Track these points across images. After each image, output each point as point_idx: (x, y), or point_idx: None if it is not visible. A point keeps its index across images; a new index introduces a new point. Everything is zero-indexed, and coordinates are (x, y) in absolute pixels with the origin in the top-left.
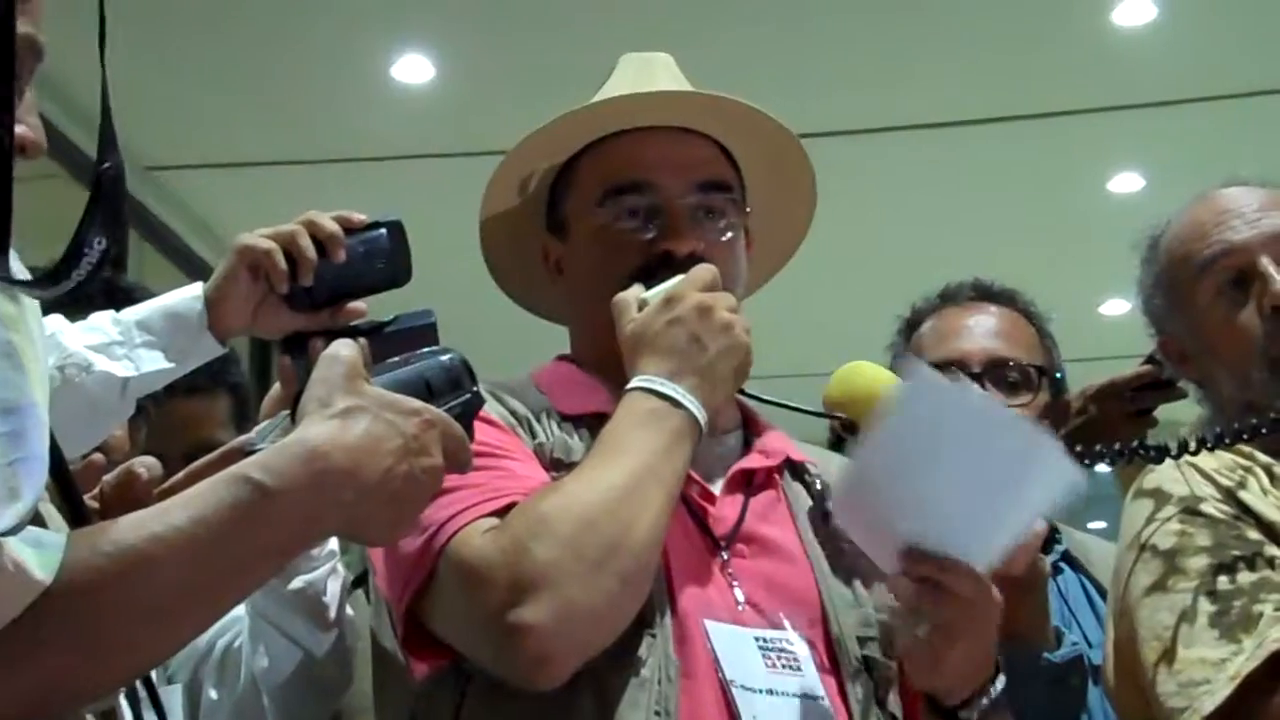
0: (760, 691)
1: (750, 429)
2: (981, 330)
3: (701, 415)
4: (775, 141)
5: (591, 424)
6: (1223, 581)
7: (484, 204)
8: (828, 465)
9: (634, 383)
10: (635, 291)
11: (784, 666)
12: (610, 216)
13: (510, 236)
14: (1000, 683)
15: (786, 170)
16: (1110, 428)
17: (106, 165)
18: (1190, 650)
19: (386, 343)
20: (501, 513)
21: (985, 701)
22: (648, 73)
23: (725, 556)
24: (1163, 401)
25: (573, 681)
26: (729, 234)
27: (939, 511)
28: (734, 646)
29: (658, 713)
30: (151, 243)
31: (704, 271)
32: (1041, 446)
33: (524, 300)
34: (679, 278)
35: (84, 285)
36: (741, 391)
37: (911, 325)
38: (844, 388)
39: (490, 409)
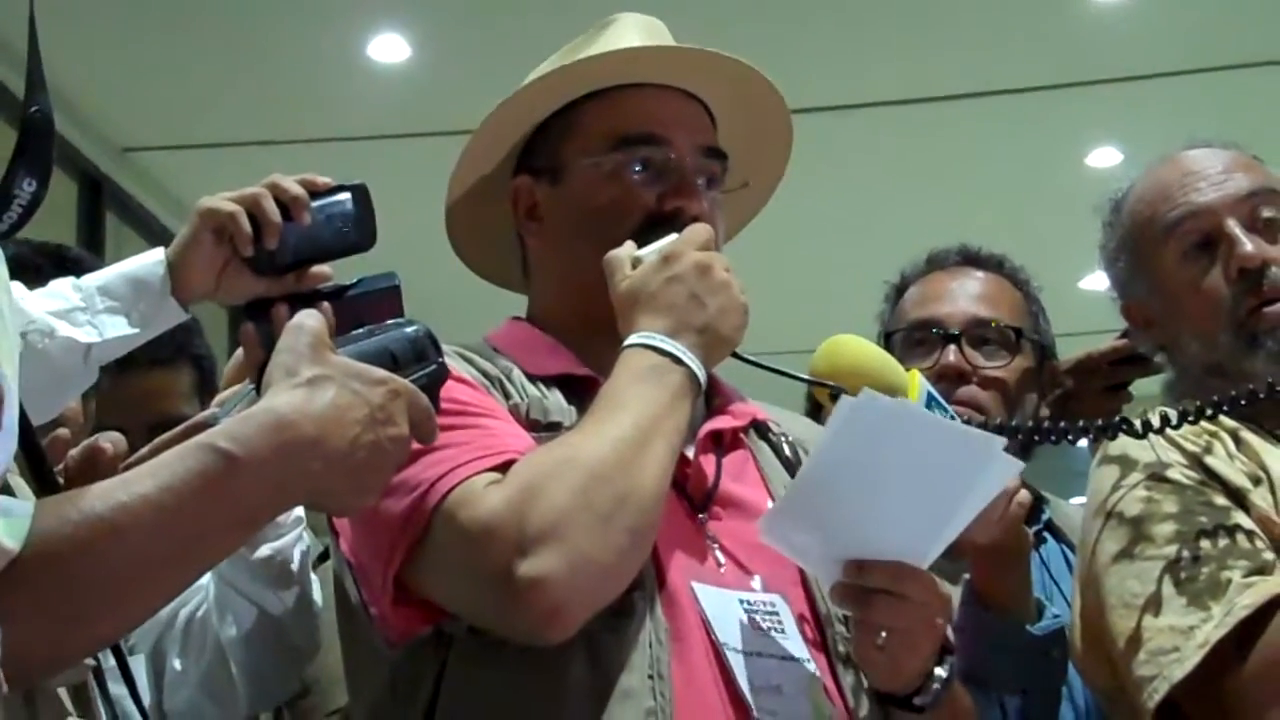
0: (750, 654)
1: (712, 390)
2: (964, 293)
3: (701, 373)
4: (767, 118)
5: (561, 384)
6: (1190, 548)
7: (465, 154)
8: (792, 425)
9: (632, 339)
10: (628, 249)
11: (769, 628)
12: (620, 164)
13: (479, 187)
14: (948, 663)
15: (765, 149)
16: (1086, 402)
17: (35, 108)
18: (1159, 618)
19: (350, 306)
20: (501, 469)
21: (936, 686)
22: (653, 32)
23: (703, 518)
24: (1139, 376)
25: (564, 645)
26: (718, 204)
27: (884, 523)
28: (722, 609)
29: (651, 676)
30: (128, 224)
31: (700, 230)
32: (982, 449)
33: (477, 258)
34: (673, 236)
35: (16, 228)
36: (736, 354)
37: (899, 291)
38: (829, 361)
39: (463, 370)
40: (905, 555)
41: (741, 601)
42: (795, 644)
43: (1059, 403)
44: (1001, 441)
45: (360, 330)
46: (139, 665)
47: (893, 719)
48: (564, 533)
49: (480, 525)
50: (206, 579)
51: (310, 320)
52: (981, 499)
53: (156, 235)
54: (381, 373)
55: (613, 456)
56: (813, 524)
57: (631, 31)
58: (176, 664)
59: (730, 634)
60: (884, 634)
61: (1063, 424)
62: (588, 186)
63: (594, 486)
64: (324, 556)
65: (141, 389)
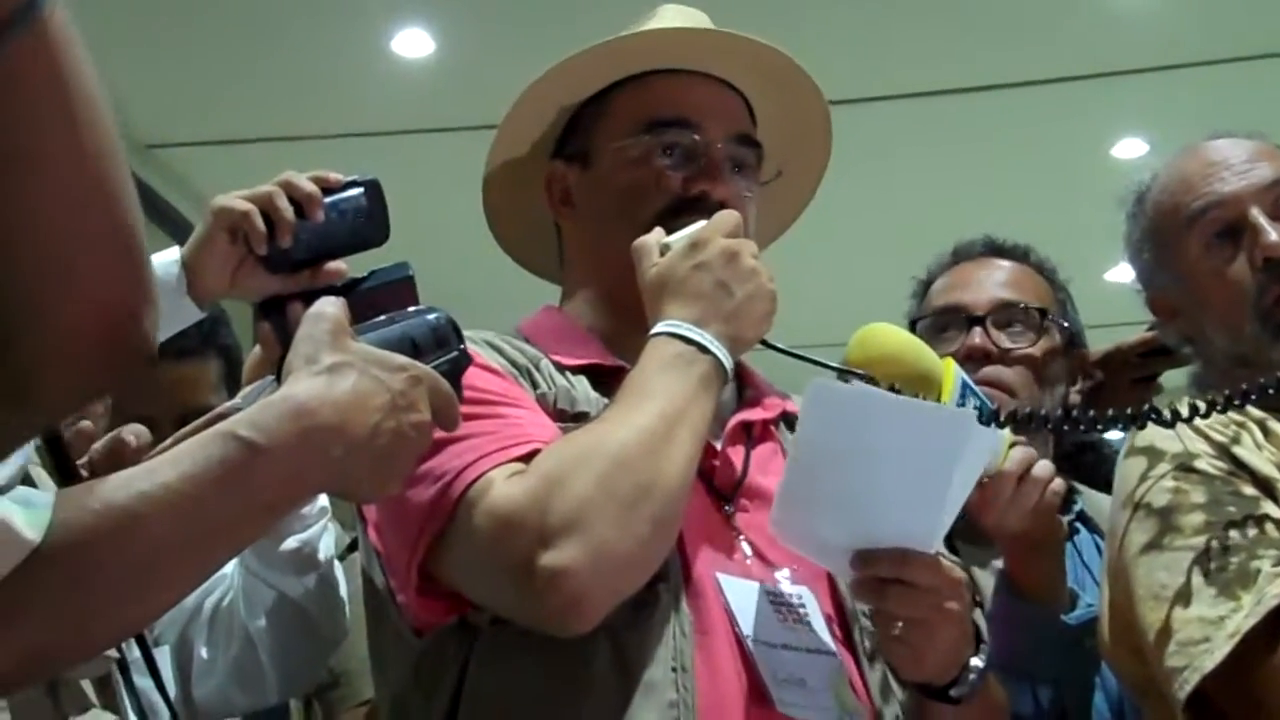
0: (776, 646)
1: (743, 381)
2: (990, 280)
3: (728, 361)
4: (805, 107)
5: (589, 375)
6: (1219, 539)
7: (502, 131)
8: None
9: (659, 327)
10: (656, 236)
11: (795, 621)
12: (649, 147)
13: (516, 171)
14: (984, 653)
15: (805, 138)
16: (1116, 394)
17: None
18: (1188, 609)
19: (365, 299)
20: (525, 459)
21: (973, 676)
22: (694, 21)
23: (730, 510)
24: (1168, 367)
25: (588, 637)
26: (750, 192)
27: (877, 510)
28: (747, 601)
29: (674, 668)
30: (153, 220)
31: (729, 217)
32: (955, 422)
33: (515, 243)
34: (702, 222)
35: None
36: (764, 342)
37: (926, 285)
38: (863, 350)
39: (491, 358)
40: (909, 541)
41: (767, 593)
42: (821, 637)
43: (1089, 395)
44: (972, 414)
45: (381, 317)
46: (164, 656)
47: (926, 710)
48: (586, 523)
49: (503, 516)
50: (231, 568)
51: (330, 308)
52: (970, 475)
53: (181, 231)
54: (402, 359)
55: (636, 446)
56: (813, 518)
57: (670, 19)
58: (204, 653)
59: (754, 626)
60: (899, 624)
61: (1091, 413)
62: (616, 169)
63: (617, 476)
64: (351, 547)
65: (169, 380)
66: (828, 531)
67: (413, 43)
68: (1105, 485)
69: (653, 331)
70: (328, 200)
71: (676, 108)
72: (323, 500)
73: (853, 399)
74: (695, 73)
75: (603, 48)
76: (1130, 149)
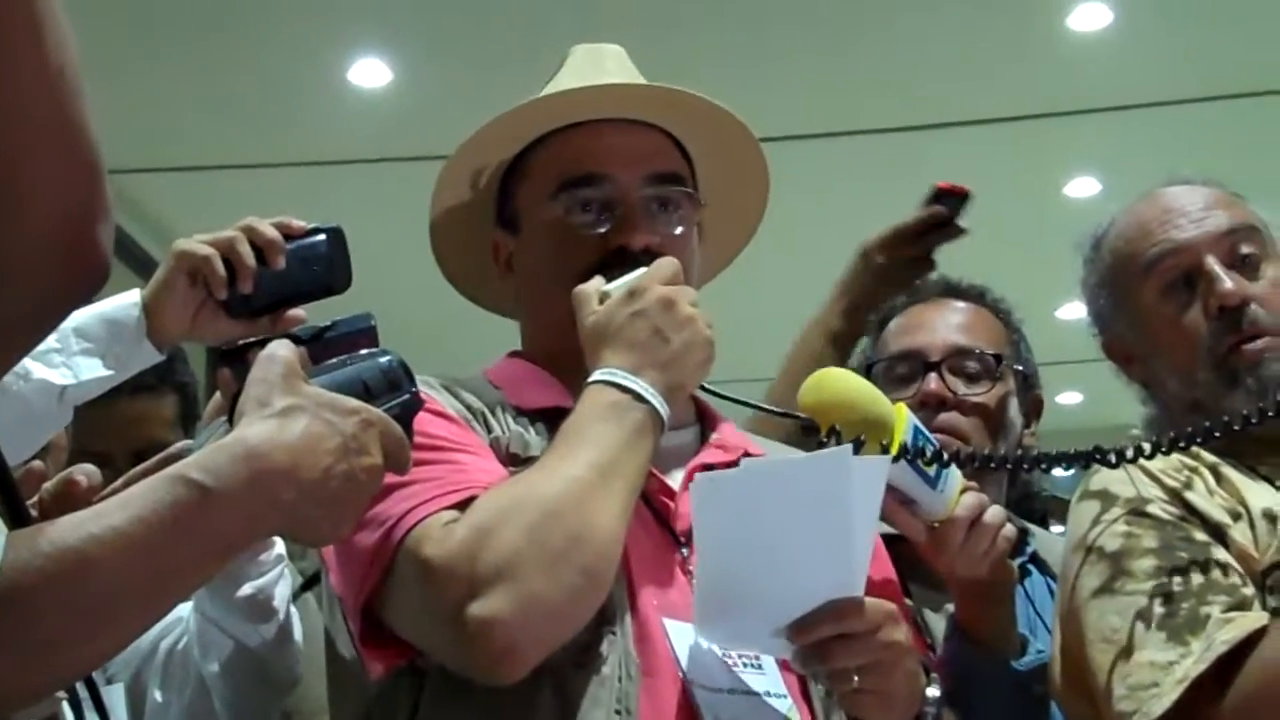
0: (721, 691)
1: (706, 423)
2: (944, 324)
3: (664, 410)
4: (727, 134)
5: (548, 418)
6: (1170, 584)
7: (434, 200)
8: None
9: (596, 375)
10: (596, 284)
11: (745, 665)
12: (563, 210)
13: (461, 233)
14: (935, 681)
15: (739, 163)
16: (893, 274)
17: None
18: (1138, 653)
19: (326, 349)
20: (461, 506)
21: (931, 709)
22: (599, 64)
23: (685, 554)
24: (946, 241)
25: (533, 679)
26: (682, 227)
27: (796, 577)
28: (695, 645)
29: (618, 711)
30: None
31: (667, 265)
32: (833, 463)
33: (476, 297)
34: (641, 270)
35: None
36: (703, 388)
37: (881, 325)
38: (816, 395)
39: (445, 402)
40: (835, 592)
41: None
42: (772, 681)
43: (869, 281)
44: (848, 449)
45: (333, 360)
46: (118, 695)
47: None
48: (515, 573)
49: (434, 565)
50: (186, 611)
51: (282, 350)
52: (869, 508)
53: (136, 259)
54: (355, 402)
55: (567, 495)
56: (737, 611)
57: (579, 69)
58: (157, 695)
59: (701, 671)
60: (855, 678)
61: (1037, 453)
62: (538, 235)
63: (546, 526)
64: (306, 586)
65: (125, 415)
66: (755, 619)
67: (370, 73)
68: (1032, 518)
69: (589, 380)
70: (290, 246)
71: (585, 163)
72: (279, 547)
73: (737, 482)
74: (612, 119)
75: (512, 114)
76: (1083, 188)
